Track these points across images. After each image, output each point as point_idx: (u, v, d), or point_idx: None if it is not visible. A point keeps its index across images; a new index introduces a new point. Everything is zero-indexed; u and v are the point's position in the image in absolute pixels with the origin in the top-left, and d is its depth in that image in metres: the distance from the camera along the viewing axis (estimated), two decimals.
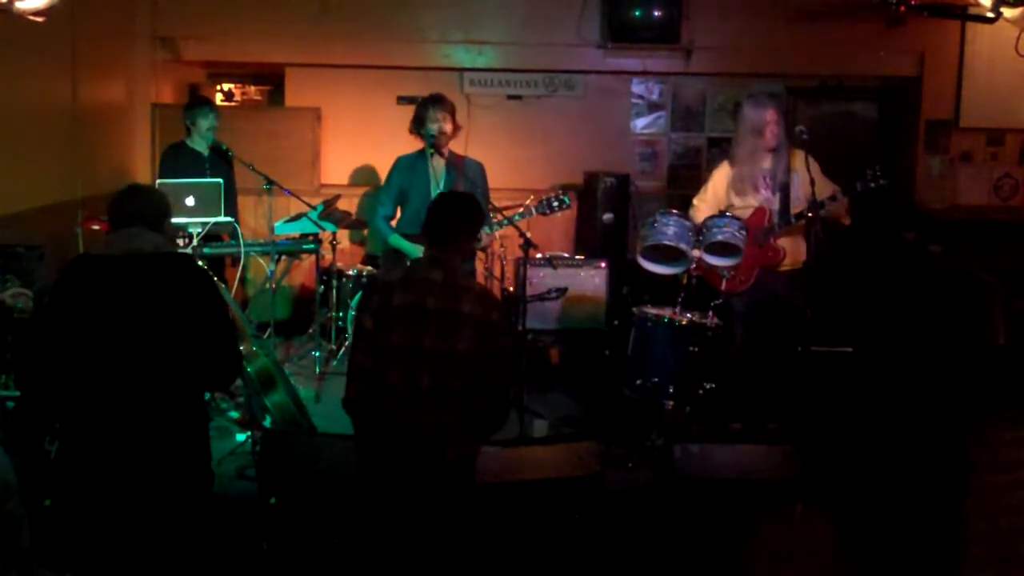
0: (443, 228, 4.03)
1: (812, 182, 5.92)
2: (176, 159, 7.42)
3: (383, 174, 7.06)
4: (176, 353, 3.57)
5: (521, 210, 6.54)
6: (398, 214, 6.80)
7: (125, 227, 3.67)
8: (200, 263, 3.88)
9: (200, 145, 7.44)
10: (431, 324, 3.84)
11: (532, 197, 6.66)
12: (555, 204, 6.60)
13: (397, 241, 6.61)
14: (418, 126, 6.64)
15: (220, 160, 7.45)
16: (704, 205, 6.60)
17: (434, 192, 6.53)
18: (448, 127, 6.56)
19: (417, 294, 3.90)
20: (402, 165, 6.77)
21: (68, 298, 3.63)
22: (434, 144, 6.52)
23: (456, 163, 6.62)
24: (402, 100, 9.32)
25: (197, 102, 7.69)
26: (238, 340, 3.97)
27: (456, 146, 6.84)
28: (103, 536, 3.61)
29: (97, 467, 3.58)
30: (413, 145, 6.77)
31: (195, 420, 3.75)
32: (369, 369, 3.92)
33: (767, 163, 6.42)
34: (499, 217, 6.42)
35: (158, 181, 6.62)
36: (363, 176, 9.42)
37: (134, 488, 3.56)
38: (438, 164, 6.65)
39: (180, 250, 4.02)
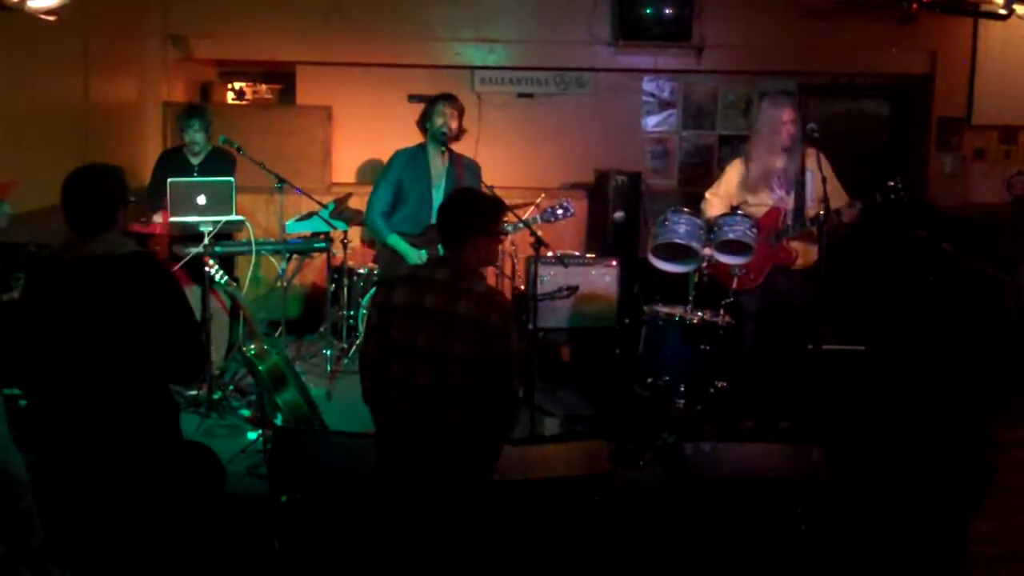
0: (457, 228, 3.99)
1: (824, 180, 5.91)
2: (164, 165, 7.32)
3: None
4: (136, 349, 3.59)
5: (526, 217, 6.54)
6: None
7: (79, 231, 3.70)
8: (157, 260, 3.90)
9: (189, 153, 7.33)
10: (426, 323, 3.83)
11: (544, 195, 6.66)
12: (559, 212, 6.62)
13: (395, 242, 6.56)
14: (425, 120, 6.63)
15: (214, 169, 7.22)
16: (717, 200, 6.58)
17: (435, 190, 6.54)
18: (454, 125, 6.55)
19: (417, 292, 3.89)
20: (401, 160, 6.71)
21: (32, 303, 3.69)
22: (443, 140, 6.50)
23: (456, 162, 6.61)
24: (413, 98, 9.33)
25: (183, 111, 7.45)
26: (200, 332, 4.01)
27: (467, 144, 6.83)
28: (96, 533, 3.64)
29: (70, 464, 3.62)
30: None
31: (162, 414, 3.78)
32: (379, 362, 3.95)
33: (782, 162, 6.38)
34: (511, 218, 6.43)
35: (169, 180, 6.61)
36: (374, 174, 9.39)
37: (107, 484, 3.60)
38: (438, 161, 6.63)
39: (139, 248, 4.01)
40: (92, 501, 3.63)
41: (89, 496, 3.64)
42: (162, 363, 3.70)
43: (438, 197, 6.50)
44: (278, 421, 5.66)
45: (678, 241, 6.16)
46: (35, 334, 3.64)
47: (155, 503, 3.66)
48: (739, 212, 6.28)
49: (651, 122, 9.91)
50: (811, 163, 6.20)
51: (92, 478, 3.63)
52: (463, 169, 6.60)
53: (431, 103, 6.65)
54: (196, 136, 7.20)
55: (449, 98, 6.62)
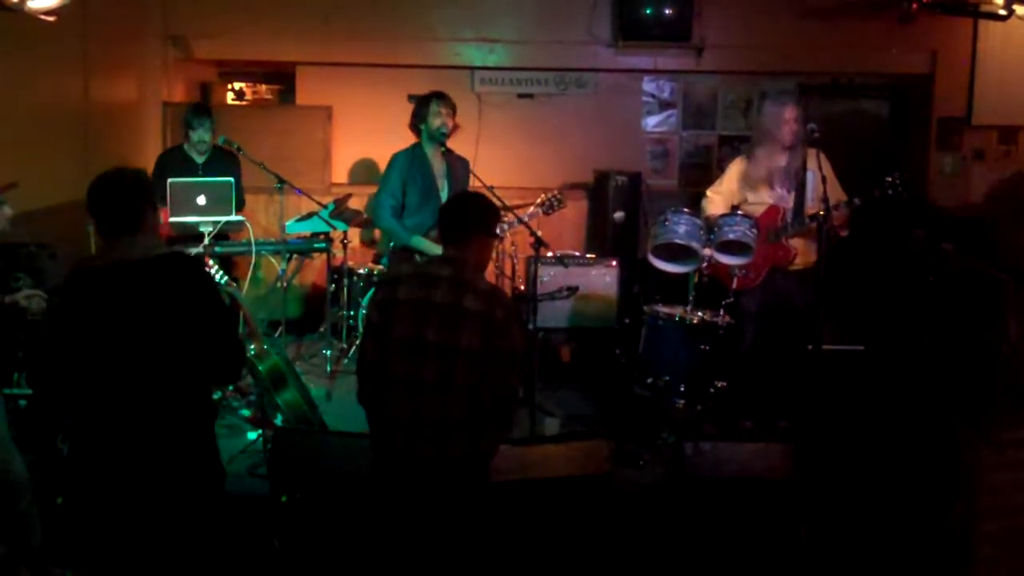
0: (460, 228, 4.03)
1: (824, 179, 5.91)
2: (166, 165, 7.35)
3: None
4: (177, 353, 3.58)
5: (528, 212, 6.54)
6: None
7: (109, 235, 3.69)
8: (195, 260, 3.87)
9: (194, 151, 7.41)
10: (435, 317, 3.84)
11: (543, 196, 6.66)
12: (555, 203, 6.61)
13: (419, 242, 6.42)
14: (420, 121, 6.59)
15: (219, 168, 7.32)
16: (718, 197, 6.59)
17: (442, 187, 6.53)
18: (451, 123, 6.53)
19: (424, 288, 3.90)
20: (401, 162, 6.63)
21: (70, 311, 3.66)
22: (443, 139, 6.48)
23: (451, 159, 6.61)
24: (413, 99, 9.27)
25: (193, 110, 7.54)
26: (239, 332, 3.97)
27: (467, 144, 6.82)
28: (114, 535, 3.62)
29: (106, 467, 3.59)
30: None
31: (202, 418, 3.76)
32: (378, 362, 3.95)
33: (784, 160, 6.40)
34: (509, 216, 6.43)
35: (169, 180, 6.61)
36: (374, 175, 9.38)
37: (143, 487, 3.57)
38: (438, 160, 6.61)
39: (174, 249, 4.00)
40: (126, 505, 3.60)
41: (123, 500, 3.60)
42: (204, 364, 3.67)
43: (443, 196, 6.49)
44: (278, 421, 5.67)
45: (678, 241, 6.16)
46: (75, 344, 3.61)
47: (172, 504, 3.64)
48: (739, 212, 6.29)
49: (651, 122, 9.90)
50: (812, 163, 6.20)
51: (133, 484, 3.60)
52: (459, 165, 6.62)
53: (424, 104, 6.56)
54: (206, 136, 7.28)
55: (442, 96, 6.58)
